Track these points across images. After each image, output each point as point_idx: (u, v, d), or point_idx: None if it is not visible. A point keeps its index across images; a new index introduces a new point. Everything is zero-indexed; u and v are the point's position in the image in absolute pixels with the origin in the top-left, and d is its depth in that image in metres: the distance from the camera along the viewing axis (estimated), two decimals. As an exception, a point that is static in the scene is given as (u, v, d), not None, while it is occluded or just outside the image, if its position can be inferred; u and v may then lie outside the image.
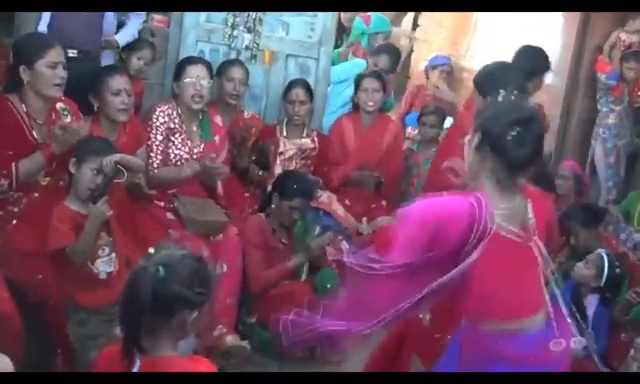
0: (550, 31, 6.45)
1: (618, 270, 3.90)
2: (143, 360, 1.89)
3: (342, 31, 6.47)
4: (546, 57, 4.19)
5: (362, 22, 6.02)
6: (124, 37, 4.20)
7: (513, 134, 2.13)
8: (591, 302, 3.92)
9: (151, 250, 2.53)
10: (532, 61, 4.01)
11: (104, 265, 3.11)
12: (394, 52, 5.71)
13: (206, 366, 2.03)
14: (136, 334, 1.87)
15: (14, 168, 3.17)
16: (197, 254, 2.16)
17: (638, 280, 4.33)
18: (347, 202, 4.49)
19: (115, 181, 3.07)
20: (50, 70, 3.20)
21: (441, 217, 2.13)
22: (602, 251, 3.93)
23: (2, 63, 3.63)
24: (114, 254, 3.13)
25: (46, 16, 3.95)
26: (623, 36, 6.04)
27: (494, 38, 6.61)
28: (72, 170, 3.10)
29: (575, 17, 6.39)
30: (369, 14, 6.11)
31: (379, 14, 6.27)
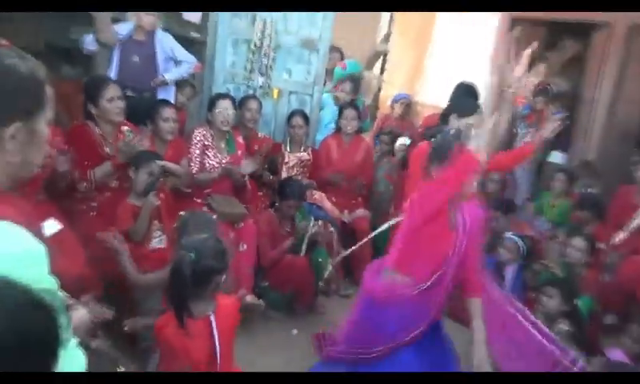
0: (480, 74, 6.54)
1: (527, 248, 4.01)
2: (215, 313, 2.00)
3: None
4: (475, 92, 4.26)
5: (340, 68, 6.03)
6: (173, 75, 4.23)
7: None
8: (509, 270, 3.99)
9: (182, 213, 2.62)
10: (467, 94, 4.06)
11: (157, 243, 3.18)
12: (354, 80, 5.65)
13: (231, 300, 2.18)
14: (185, 302, 1.94)
15: (91, 174, 3.23)
16: (215, 235, 2.18)
17: (541, 254, 4.43)
18: (334, 199, 4.53)
19: (162, 179, 3.25)
20: (110, 104, 3.27)
21: None
22: (513, 237, 4.01)
23: (80, 97, 3.65)
24: (164, 237, 3.20)
25: (116, 65, 3.99)
26: (530, 78, 6.14)
27: (439, 80, 6.69)
28: (132, 174, 3.17)
29: (498, 60, 6.48)
30: (345, 61, 6.12)
31: (352, 60, 6.28)
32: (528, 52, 2.79)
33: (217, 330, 1.98)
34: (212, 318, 1.98)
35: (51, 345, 0.80)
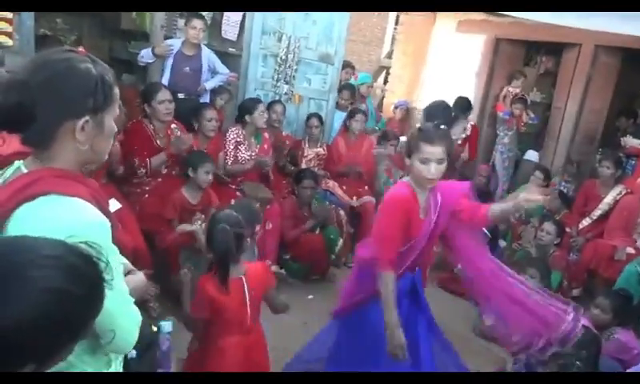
0: (468, 85, 6.41)
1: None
2: (246, 273, 1.97)
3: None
4: (469, 102, 4.12)
5: (353, 78, 5.91)
6: (210, 84, 4.16)
7: None
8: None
9: (232, 201, 2.60)
10: (464, 103, 3.91)
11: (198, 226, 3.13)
12: (350, 88, 5.39)
13: (261, 265, 2.13)
14: (228, 265, 1.91)
15: (148, 162, 3.20)
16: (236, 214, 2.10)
17: (517, 235, 4.34)
18: (344, 187, 4.46)
19: None
20: (160, 105, 3.24)
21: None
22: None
23: (137, 101, 3.63)
24: (203, 225, 3.13)
25: (167, 74, 3.96)
26: (510, 89, 5.98)
27: (434, 90, 6.57)
28: (190, 174, 3.11)
29: (483, 75, 6.35)
30: (357, 74, 6.00)
31: (364, 73, 6.17)
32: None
33: (248, 288, 1.96)
34: (244, 279, 1.97)
35: (97, 285, 0.83)
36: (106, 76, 1.07)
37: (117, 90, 1.11)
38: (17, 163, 1.06)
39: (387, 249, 1.97)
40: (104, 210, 1.07)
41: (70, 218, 0.96)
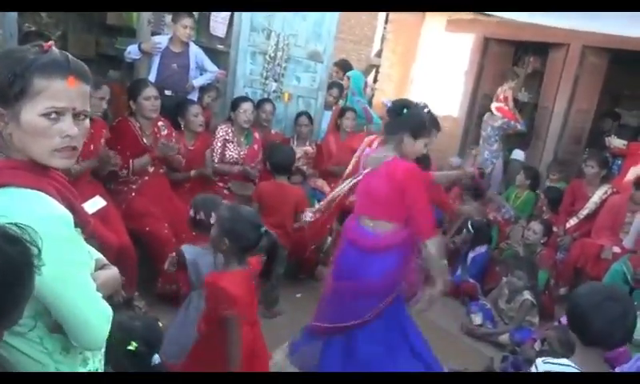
0: (456, 84, 6.46)
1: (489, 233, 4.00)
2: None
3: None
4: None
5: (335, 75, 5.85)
6: (198, 81, 4.13)
7: None
8: (479, 249, 3.95)
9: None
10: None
11: None
12: (339, 86, 5.41)
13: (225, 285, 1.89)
14: None
15: (131, 163, 3.16)
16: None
17: (504, 235, 4.38)
18: (332, 185, 4.44)
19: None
20: (146, 102, 3.17)
21: None
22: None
23: (124, 97, 3.58)
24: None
25: (154, 70, 3.92)
26: (507, 87, 5.87)
27: (422, 88, 6.62)
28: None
29: (471, 74, 6.39)
30: (347, 74, 5.93)
31: (355, 70, 6.11)
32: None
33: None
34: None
35: (19, 267, 0.83)
36: (40, 68, 0.98)
37: (52, 85, 1.00)
38: None
39: (430, 216, 2.25)
40: (70, 203, 1.05)
41: (25, 211, 0.93)
